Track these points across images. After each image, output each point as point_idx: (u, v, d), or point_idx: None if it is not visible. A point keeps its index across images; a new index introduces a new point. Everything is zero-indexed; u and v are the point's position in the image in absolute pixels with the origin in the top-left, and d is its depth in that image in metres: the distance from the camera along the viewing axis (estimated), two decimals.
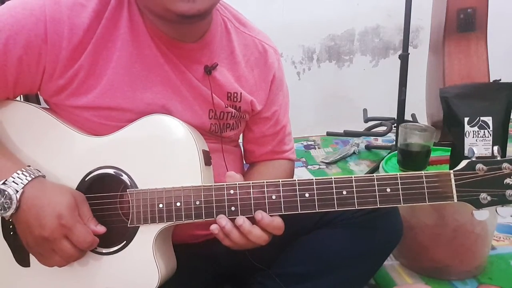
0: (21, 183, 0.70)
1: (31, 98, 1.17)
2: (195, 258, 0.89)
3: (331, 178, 0.72)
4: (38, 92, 0.80)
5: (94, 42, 0.75)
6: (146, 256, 0.74)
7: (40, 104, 0.83)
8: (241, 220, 0.72)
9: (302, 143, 2.40)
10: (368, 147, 2.28)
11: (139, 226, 0.75)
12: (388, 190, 0.72)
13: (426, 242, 1.20)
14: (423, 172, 0.72)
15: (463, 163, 0.73)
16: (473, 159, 0.72)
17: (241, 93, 0.88)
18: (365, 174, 1.88)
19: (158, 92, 0.80)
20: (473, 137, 1.10)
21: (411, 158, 1.20)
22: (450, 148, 1.16)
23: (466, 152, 1.10)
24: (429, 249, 1.21)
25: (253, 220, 0.73)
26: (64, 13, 0.73)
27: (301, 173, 2.02)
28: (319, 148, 2.36)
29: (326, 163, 2.13)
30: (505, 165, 0.71)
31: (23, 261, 0.77)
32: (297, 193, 0.73)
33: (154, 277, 0.74)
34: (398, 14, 1.93)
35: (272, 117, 0.96)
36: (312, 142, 2.43)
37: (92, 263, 0.76)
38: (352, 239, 0.89)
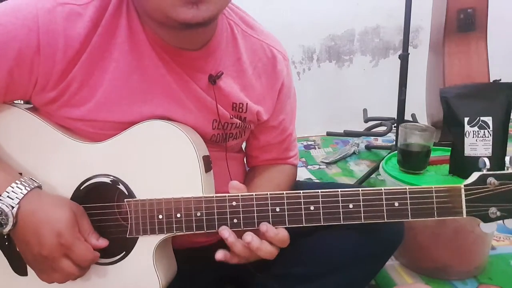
0: (16, 197, 0.66)
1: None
2: (196, 261, 0.87)
3: (338, 191, 0.70)
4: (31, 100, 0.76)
5: (88, 52, 0.71)
6: (146, 266, 0.72)
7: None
8: (250, 237, 0.69)
9: (302, 143, 2.40)
10: (368, 147, 2.28)
11: (138, 237, 0.73)
12: (396, 204, 0.70)
13: (426, 242, 1.20)
14: (433, 186, 0.70)
15: (474, 176, 0.71)
16: (484, 171, 0.70)
17: (247, 103, 0.84)
18: (365, 174, 1.89)
19: (159, 105, 0.76)
20: (473, 137, 1.10)
21: (411, 158, 1.20)
22: (450, 148, 1.16)
23: (466, 151, 1.10)
24: (429, 249, 1.21)
25: (256, 232, 0.71)
26: (59, 24, 0.69)
27: (301, 173, 2.02)
28: (319, 148, 2.36)
29: (326, 163, 2.13)
30: None
31: (20, 270, 0.75)
32: (302, 206, 0.70)
33: (155, 287, 0.72)
34: (398, 14, 1.93)
35: (279, 125, 0.93)
36: (312, 142, 2.43)
37: (91, 273, 0.73)
38: (353, 241, 0.88)
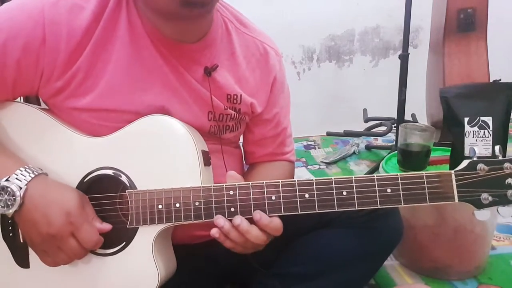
0: (24, 179, 0.69)
1: (31, 99, 1.17)
2: (195, 259, 0.89)
3: (331, 179, 0.72)
4: (38, 94, 0.79)
5: (92, 44, 0.75)
6: (145, 257, 0.74)
7: (40, 105, 0.83)
8: (239, 219, 0.71)
9: (302, 143, 2.40)
10: (368, 147, 2.28)
11: (138, 227, 0.75)
12: (389, 190, 0.72)
13: (426, 242, 1.20)
14: (423, 172, 0.72)
15: (464, 163, 0.72)
16: (474, 159, 0.72)
17: (241, 95, 0.87)
18: (365, 174, 1.89)
19: (157, 94, 0.79)
20: (473, 137, 1.10)
21: (411, 158, 1.20)
22: (450, 148, 1.16)
23: (466, 151, 1.10)
24: (429, 249, 1.21)
25: (252, 221, 0.73)
26: (62, 15, 0.73)
27: (301, 173, 2.02)
28: (319, 148, 2.36)
29: (326, 163, 2.13)
30: (506, 165, 0.71)
31: (23, 262, 0.77)
32: (297, 193, 0.72)
33: (154, 278, 0.74)
34: (398, 14, 1.93)
35: (273, 119, 0.96)
36: (312, 142, 2.43)
37: (91, 264, 0.76)
38: (352, 239, 0.89)
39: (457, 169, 0.72)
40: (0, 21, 0.72)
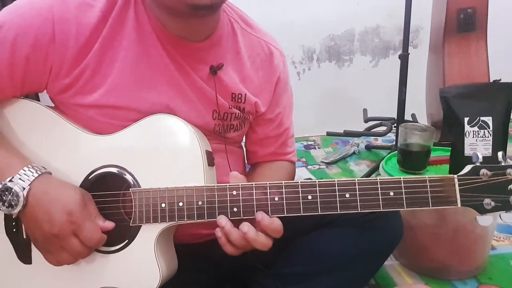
0: (27, 180, 0.70)
1: (30, 97, 1.17)
2: (197, 259, 0.89)
3: (334, 181, 0.72)
4: (46, 91, 0.80)
5: (100, 42, 0.75)
6: (147, 255, 0.74)
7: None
8: (246, 227, 0.71)
9: (302, 143, 2.40)
10: (368, 147, 2.28)
11: (141, 226, 0.75)
12: (392, 194, 0.72)
13: (426, 242, 1.20)
14: (426, 176, 0.72)
15: (467, 167, 0.72)
16: (477, 164, 0.72)
17: (245, 94, 0.88)
18: (365, 174, 1.89)
19: (163, 92, 0.80)
20: (473, 137, 1.10)
21: (411, 158, 1.20)
22: (450, 148, 1.16)
23: (466, 151, 1.10)
24: (429, 249, 1.21)
25: (253, 221, 0.73)
26: (71, 13, 0.74)
27: (301, 173, 2.02)
28: (319, 148, 2.36)
29: (326, 163, 2.13)
30: (509, 170, 0.71)
31: (25, 259, 0.77)
32: (300, 195, 0.72)
33: (155, 277, 0.74)
34: (398, 14, 1.93)
35: (275, 119, 0.96)
36: (312, 142, 2.43)
37: (93, 262, 0.76)
38: (352, 240, 0.89)
39: (460, 173, 0.72)
40: (9, 19, 0.73)
